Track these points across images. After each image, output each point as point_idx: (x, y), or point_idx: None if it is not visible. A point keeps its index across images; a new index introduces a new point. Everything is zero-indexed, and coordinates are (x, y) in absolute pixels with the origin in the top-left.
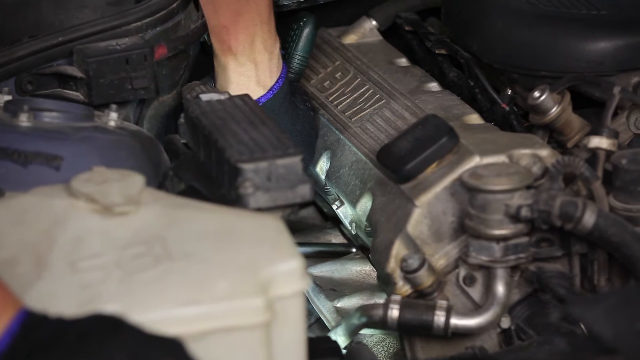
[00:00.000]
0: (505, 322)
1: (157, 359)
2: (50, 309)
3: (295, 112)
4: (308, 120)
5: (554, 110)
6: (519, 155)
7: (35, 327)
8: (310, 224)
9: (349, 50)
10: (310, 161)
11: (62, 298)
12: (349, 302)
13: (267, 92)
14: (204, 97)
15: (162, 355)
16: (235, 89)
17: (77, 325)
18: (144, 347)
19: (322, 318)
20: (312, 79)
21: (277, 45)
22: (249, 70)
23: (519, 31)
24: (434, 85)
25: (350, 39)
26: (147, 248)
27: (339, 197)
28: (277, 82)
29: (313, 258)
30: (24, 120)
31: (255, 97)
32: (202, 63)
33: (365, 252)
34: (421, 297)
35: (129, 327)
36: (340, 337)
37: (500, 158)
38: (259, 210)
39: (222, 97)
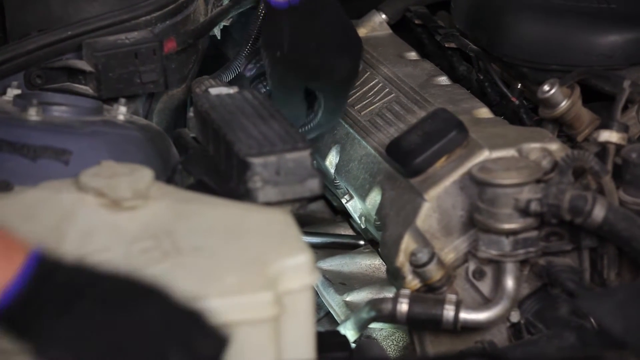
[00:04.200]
0: (515, 316)
1: (190, 329)
2: None
3: None
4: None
5: (564, 104)
6: (528, 149)
7: (51, 274)
8: (319, 217)
9: None
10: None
11: None
12: (358, 296)
13: None
14: (213, 91)
15: (195, 326)
16: None
17: (106, 278)
18: (180, 315)
19: (332, 312)
20: None
21: None
22: None
23: (528, 25)
24: (443, 79)
25: (360, 32)
26: (155, 242)
27: (348, 191)
28: None
29: (322, 250)
30: (33, 114)
31: None
32: (212, 57)
33: (374, 246)
34: (430, 291)
35: (163, 292)
36: (349, 331)
37: (510, 152)
38: (268, 204)
39: (231, 91)
